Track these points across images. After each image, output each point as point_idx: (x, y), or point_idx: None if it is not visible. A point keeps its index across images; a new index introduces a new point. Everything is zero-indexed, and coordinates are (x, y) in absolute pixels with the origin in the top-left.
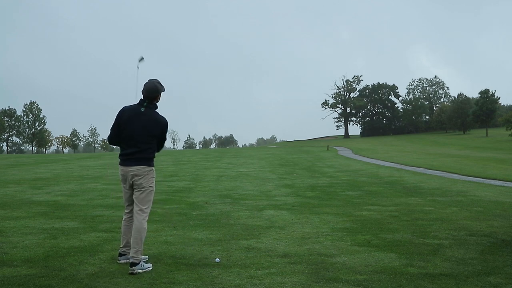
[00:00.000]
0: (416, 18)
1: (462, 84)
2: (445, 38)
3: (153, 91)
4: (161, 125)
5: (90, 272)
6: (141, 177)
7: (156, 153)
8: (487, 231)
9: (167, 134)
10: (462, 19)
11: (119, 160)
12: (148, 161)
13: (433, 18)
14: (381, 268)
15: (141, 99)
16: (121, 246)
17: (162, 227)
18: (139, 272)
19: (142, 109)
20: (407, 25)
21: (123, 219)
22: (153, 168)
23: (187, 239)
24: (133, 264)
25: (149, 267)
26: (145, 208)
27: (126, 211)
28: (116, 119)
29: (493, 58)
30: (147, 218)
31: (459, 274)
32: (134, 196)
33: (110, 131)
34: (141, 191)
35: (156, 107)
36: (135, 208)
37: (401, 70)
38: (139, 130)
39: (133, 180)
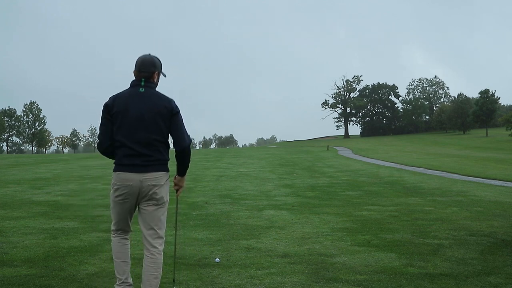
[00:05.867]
0: (409, 15)
1: (457, 82)
2: (439, 36)
3: (149, 64)
4: (171, 105)
5: (90, 272)
6: (159, 187)
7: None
8: (487, 231)
9: (181, 119)
10: (455, 15)
11: (119, 166)
12: (166, 164)
13: (425, 14)
14: (381, 268)
15: (132, 80)
16: (121, 278)
17: None
18: None
19: (142, 90)
20: (401, 23)
21: (114, 241)
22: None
23: (187, 239)
24: None
25: None
26: (162, 231)
27: (118, 232)
28: (104, 114)
29: (487, 55)
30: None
31: (459, 274)
32: (144, 215)
33: (99, 135)
34: (158, 207)
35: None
36: (147, 233)
37: (396, 69)
38: (147, 118)
39: (148, 192)
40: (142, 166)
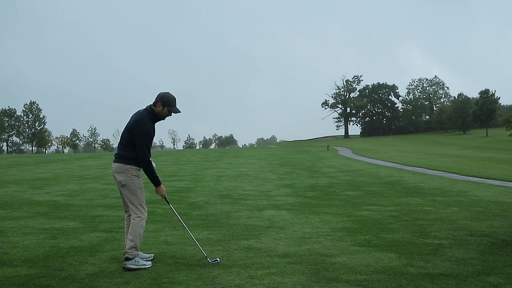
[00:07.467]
0: (408, 15)
1: (457, 82)
2: (439, 36)
3: (158, 96)
4: (135, 127)
5: (90, 272)
6: (118, 174)
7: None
8: (487, 231)
9: (139, 136)
10: (455, 15)
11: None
12: (127, 158)
13: (425, 14)
14: (381, 268)
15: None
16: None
17: (162, 227)
18: (132, 268)
19: (141, 110)
20: (400, 23)
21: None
22: (133, 167)
23: (187, 239)
24: (127, 259)
25: (144, 265)
26: (132, 205)
27: (126, 213)
28: None
29: (487, 55)
30: (143, 216)
31: (459, 274)
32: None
33: None
34: (123, 188)
35: (154, 114)
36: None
37: (396, 69)
38: (125, 128)
39: (114, 177)
40: (115, 158)
